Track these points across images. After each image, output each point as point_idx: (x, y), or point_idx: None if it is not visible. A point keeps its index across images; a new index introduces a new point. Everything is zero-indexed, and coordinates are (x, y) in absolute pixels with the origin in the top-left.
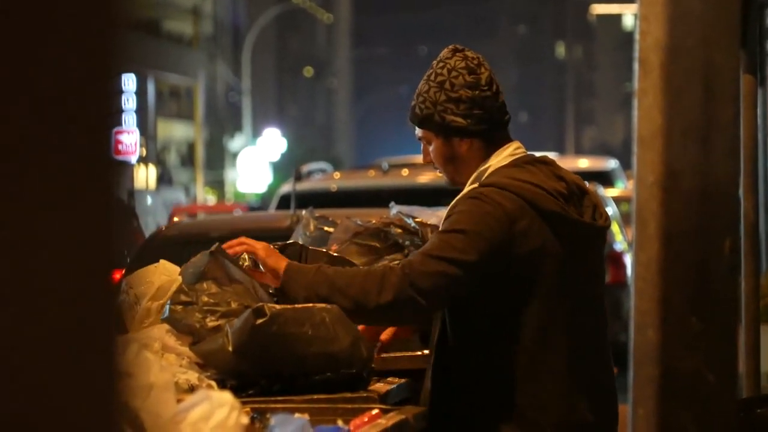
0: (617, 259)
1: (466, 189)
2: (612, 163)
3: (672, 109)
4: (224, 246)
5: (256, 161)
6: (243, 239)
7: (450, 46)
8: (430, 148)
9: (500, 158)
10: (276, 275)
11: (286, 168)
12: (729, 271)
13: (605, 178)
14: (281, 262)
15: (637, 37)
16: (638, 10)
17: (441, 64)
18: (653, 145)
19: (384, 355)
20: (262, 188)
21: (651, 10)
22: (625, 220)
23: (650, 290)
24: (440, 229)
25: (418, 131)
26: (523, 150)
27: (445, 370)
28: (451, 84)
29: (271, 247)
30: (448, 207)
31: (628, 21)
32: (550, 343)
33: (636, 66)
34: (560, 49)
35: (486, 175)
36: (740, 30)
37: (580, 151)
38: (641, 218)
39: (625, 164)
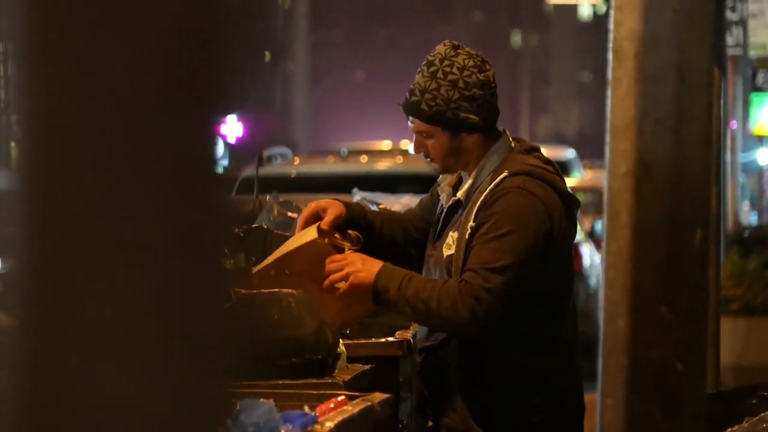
0: (575, 248)
1: (490, 180)
2: (569, 153)
3: (645, 98)
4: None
5: None
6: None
7: (446, 43)
8: (430, 142)
9: (505, 146)
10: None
11: (242, 152)
12: (699, 261)
13: (563, 168)
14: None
15: (611, 27)
16: (612, 0)
17: (448, 63)
18: (626, 135)
19: (348, 342)
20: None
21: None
22: (582, 209)
23: (621, 280)
24: (487, 233)
25: (417, 125)
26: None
27: (473, 365)
28: (465, 83)
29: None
30: (480, 201)
31: (585, 11)
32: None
33: (610, 55)
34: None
35: (500, 162)
36: (714, 20)
37: (534, 140)
38: (613, 208)
39: (581, 154)
